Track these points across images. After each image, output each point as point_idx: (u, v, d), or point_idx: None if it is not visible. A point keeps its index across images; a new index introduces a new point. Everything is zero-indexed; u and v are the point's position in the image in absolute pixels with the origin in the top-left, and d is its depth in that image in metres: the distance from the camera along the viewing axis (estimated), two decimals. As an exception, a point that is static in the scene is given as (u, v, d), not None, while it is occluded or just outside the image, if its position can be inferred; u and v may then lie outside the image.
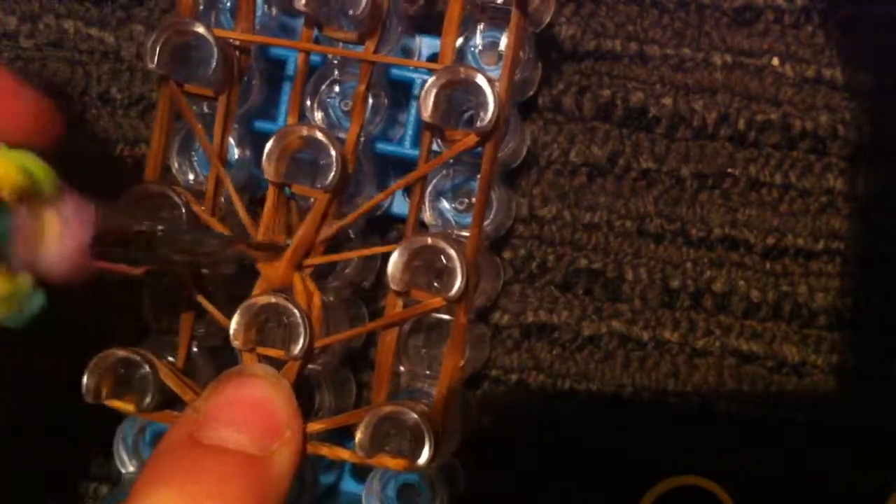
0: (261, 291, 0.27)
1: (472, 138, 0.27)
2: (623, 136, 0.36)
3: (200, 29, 0.28)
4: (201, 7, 0.31)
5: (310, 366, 0.33)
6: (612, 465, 0.36)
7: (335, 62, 0.33)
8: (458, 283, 0.26)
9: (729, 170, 0.36)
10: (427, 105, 0.27)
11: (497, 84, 0.27)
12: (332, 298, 0.33)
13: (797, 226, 0.36)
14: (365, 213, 0.34)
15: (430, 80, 0.27)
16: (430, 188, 0.33)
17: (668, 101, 0.36)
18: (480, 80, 0.27)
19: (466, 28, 0.32)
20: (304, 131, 0.27)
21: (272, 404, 0.24)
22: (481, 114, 0.27)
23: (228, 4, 0.33)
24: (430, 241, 0.27)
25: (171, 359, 0.29)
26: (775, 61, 0.36)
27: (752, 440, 0.36)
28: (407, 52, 0.35)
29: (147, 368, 0.28)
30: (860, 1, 0.36)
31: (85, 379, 0.27)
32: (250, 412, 0.24)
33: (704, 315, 0.36)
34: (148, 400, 0.28)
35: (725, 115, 0.36)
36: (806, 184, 0.36)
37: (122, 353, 0.28)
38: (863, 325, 0.36)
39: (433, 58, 0.34)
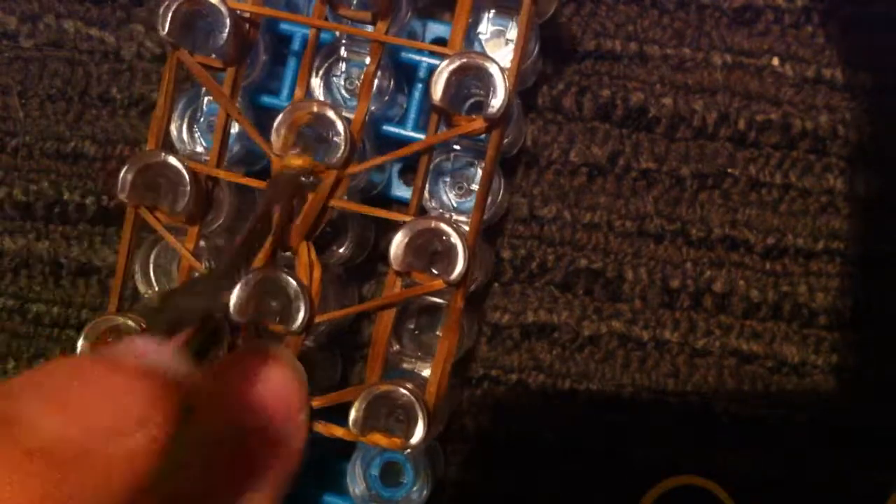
0: (265, 259, 0.27)
1: (480, 124, 0.27)
2: (623, 136, 0.36)
3: None
4: None
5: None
6: (612, 465, 0.36)
7: (342, 41, 0.33)
8: (459, 266, 0.27)
9: (729, 170, 0.36)
10: (438, 88, 0.27)
11: (507, 72, 0.27)
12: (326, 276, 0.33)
13: (797, 226, 0.36)
14: (362, 192, 0.34)
15: (443, 63, 0.27)
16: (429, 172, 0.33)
17: (668, 101, 0.36)
18: (493, 67, 0.27)
19: (474, 15, 0.32)
20: (315, 107, 0.27)
21: (293, 386, 0.24)
22: (491, 101, 0.27)
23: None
24: (433, 224, 0.27)
25: None
26: (775, 61, 0.36)
27: (752, 440, 0.36)
28: (412, 36, 0.34)
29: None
30: (860, 1, 0.36)
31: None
32: (274, 395, 0.23)
33: (704, 315, 0.36)
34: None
35: (725, 115, 0.36)
36: (806, 184, 0.36)
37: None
38: (863, 325, 0.36)
39: (437, 42, 0.34)
